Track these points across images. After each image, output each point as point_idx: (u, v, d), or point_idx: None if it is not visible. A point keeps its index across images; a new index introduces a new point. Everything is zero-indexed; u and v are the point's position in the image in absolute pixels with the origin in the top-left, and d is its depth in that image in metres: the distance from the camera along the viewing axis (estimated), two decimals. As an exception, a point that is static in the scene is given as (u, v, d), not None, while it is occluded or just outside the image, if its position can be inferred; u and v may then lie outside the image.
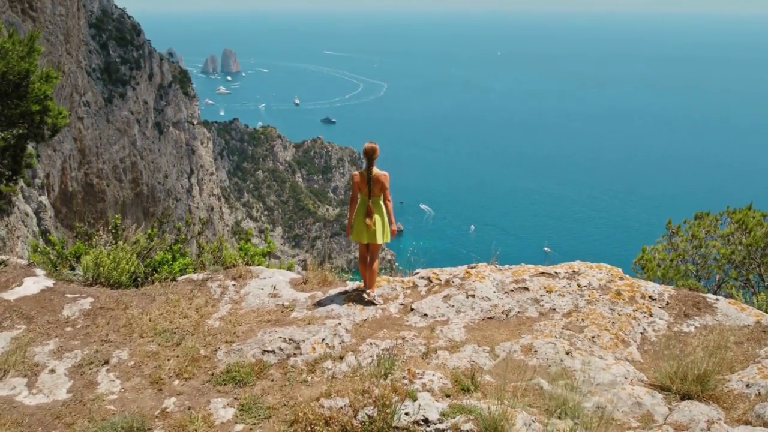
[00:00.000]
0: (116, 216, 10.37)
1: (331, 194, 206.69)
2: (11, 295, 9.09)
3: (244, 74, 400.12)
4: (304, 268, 10.34)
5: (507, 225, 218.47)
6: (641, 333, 7.99)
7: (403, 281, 9.38)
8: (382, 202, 8.72)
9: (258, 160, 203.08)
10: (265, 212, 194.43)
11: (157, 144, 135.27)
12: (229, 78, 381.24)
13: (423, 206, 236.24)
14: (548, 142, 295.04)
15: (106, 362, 7.73)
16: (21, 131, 15.73)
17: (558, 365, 7.20)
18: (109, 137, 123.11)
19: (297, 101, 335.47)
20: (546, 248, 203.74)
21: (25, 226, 75.53)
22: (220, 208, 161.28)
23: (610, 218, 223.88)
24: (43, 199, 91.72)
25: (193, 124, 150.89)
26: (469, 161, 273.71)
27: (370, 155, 8.60)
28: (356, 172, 8.76)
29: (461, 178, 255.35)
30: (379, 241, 8.64)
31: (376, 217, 8.60)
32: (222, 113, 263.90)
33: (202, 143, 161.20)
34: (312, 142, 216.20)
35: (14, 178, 16.61)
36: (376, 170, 8.65)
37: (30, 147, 17.02)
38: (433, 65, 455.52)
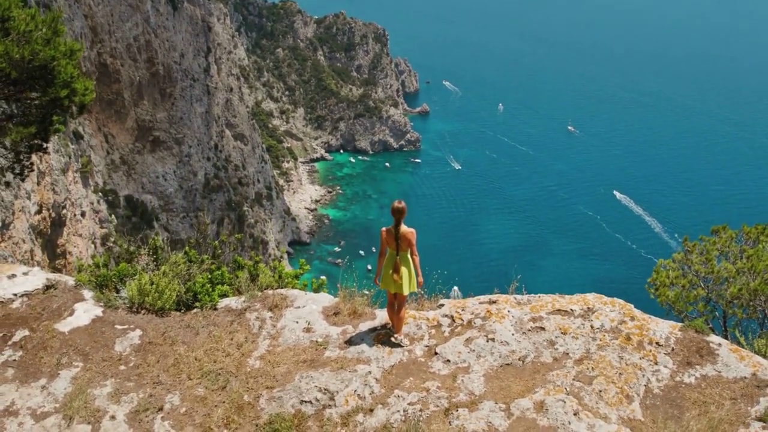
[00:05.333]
0: (155, 237, 10.99)
1: (355, 73, 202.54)
2: (65, 326, 9.93)
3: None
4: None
5: (534, 104, 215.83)
6: (645, 385, 8.71)
7: (428, 319, 10.12)
8: (409, 256, 9.35)
9: (278, 37, 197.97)
10: (286, 92, 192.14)
11: (171, 21, 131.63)
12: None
13: (446, 83, 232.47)
14: (581, 23, 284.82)
15: (161, 409, 8.63)
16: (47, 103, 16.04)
17: (566, 428, 8.00)
18: (121, 14, 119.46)
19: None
20: (570, 127, 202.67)
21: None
22: (240, 88, 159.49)
23: (638, 98, 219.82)
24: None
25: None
26: (495, 38, 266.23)
27: (398, 216, 9.15)
28: (384, 229, 9.40)
29: (488, 56, 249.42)
30: (406, 292, 9.37)
31: (403, 269, 9.29)
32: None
33: (218, 20, 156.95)
34: (334, 18, 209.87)
35: (44, 146, 17.22)
36: (403, 228, 9.26)
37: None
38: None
